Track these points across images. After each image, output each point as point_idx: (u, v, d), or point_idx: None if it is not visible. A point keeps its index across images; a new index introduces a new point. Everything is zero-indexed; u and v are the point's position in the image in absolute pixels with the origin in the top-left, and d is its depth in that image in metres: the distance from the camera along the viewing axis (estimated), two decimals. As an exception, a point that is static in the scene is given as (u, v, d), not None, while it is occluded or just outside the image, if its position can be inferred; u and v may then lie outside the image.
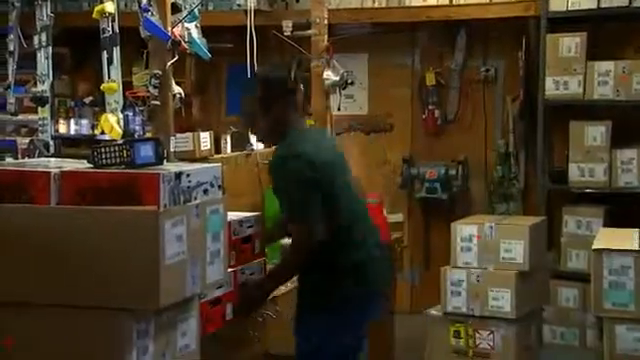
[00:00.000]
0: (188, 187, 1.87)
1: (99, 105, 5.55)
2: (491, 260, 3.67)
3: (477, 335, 3.65)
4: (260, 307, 2.48)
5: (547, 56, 4.49)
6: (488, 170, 4.98)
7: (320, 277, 2.46)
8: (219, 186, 2.00)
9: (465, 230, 3.73)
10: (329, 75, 3.92)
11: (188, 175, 1.87)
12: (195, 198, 1.89)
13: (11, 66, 2.86)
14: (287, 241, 3.34)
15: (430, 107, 5.10)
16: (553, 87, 4.47)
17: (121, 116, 2.65)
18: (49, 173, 1.80)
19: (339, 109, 4.11)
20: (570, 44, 4.41)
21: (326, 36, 4.00)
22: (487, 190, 4.98)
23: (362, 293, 2.50)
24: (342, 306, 2.46)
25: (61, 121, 5.71)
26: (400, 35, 5.14)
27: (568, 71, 4.42)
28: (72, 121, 5.87)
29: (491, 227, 3.70)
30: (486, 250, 3.69)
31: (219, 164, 2.08)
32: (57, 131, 4.42)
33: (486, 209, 4.84)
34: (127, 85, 2.89)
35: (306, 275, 2.49)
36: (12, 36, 2.85)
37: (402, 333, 4.06)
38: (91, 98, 5.82)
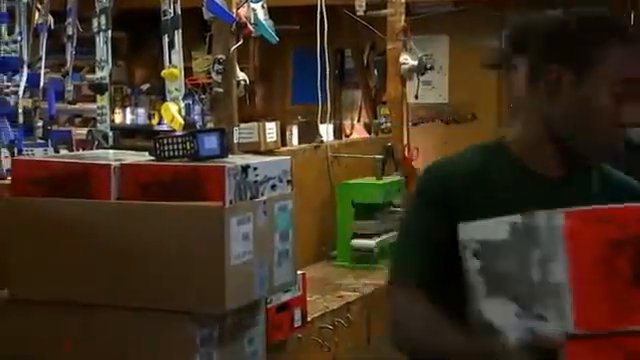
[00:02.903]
0: (255, 182, 1.89)
1: (157, 93, 5.70)
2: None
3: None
4: None
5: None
6: (586, 165, 4.83)
7: None
8: (288, 181, 2.01)
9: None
10: (406, 59, 3.89)
11: (255, 169, 1.89)
12: (262, 194, 1.92)
13: (69, 51, 2.95)
14: (358, 241, 3.34)
15: (520, 94, 4.99)
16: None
17: (183, 105, 2.69)
18: (109, 166, 1.86)
19: (417, 97, 4.07)
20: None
21: (403, 16, 3.98)
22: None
23: None
24: None
25: (117, 110, 5.87)
26: (486, 14, 5.05)
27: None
28: (128, 110, 6.05)
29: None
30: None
31: (288, 157, 2.09)
32: (112, 121, 4.55)
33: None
34: (186, 71, 2.94)
35: None
36: (70, 19, 2.94)
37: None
38: (148, 85, 5.98)
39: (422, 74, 3.93)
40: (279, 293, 2.22)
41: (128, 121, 6.09)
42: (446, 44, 5.24)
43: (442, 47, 5.21)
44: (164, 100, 2.80)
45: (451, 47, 5.23)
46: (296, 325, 2.40)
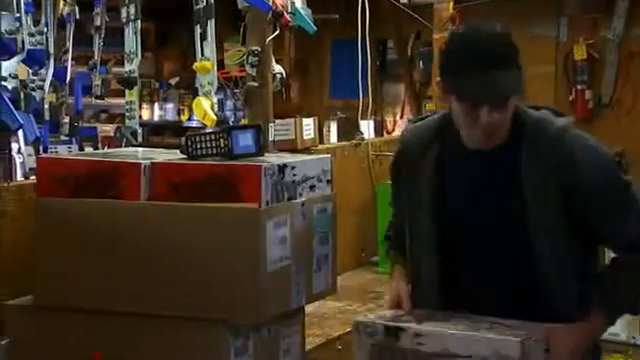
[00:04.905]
0: (293, 182, 1.90)
1: (187, 87, 5.76)
2: (656, 276, 3.50)
3: (641, 370, 3.49)
4: None
5: None
6: (652, 165, 4.75)
7: None
8: (328, 181, 2.02)
9: (622, 239, 3.56)
10: (454, 50, 3.87)
11: (293, 168, 1.90)
12: (300, 195, 1.93)
13: (97, 43, 2.99)
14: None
15: (579, 87, 4.94)
16: None
17: (215, 100, 2.71)
18: (139, 165, 1.88)
19: (466, 91, 4.04)
20: None
21: (451, 3, 3.96)
22: (651, 189, 4.76)
23: None
24: None
25: (144, 105, 5.95)
26: (540, 1, 5.00)
27: None
28: (156, 105, 6.13)
29: (657, 235, 3.52)
30: (650, 264, 3.51)
31: (328, 155, 2.10)
32: (140, 117, 4.61)
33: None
34: (217, 64, 2.95)
35: None
36: (99, 9, 2.98)
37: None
38: (178, 79, 6.05)
39: (471, 66, 3.90)
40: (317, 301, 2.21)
41: (156, 117, 6.17)
42: (498, 33, 5.20)
43: (493, 37, 5.16)
44: (194, 94, 2.82)
45: (503, 37, 5.18)
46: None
